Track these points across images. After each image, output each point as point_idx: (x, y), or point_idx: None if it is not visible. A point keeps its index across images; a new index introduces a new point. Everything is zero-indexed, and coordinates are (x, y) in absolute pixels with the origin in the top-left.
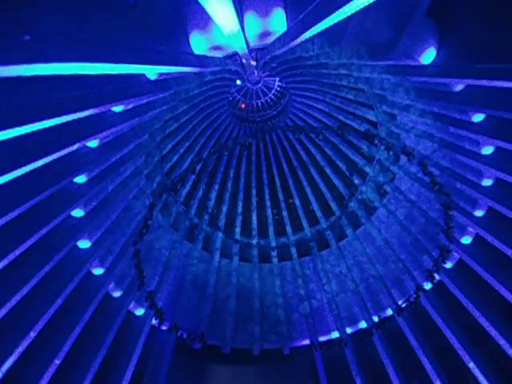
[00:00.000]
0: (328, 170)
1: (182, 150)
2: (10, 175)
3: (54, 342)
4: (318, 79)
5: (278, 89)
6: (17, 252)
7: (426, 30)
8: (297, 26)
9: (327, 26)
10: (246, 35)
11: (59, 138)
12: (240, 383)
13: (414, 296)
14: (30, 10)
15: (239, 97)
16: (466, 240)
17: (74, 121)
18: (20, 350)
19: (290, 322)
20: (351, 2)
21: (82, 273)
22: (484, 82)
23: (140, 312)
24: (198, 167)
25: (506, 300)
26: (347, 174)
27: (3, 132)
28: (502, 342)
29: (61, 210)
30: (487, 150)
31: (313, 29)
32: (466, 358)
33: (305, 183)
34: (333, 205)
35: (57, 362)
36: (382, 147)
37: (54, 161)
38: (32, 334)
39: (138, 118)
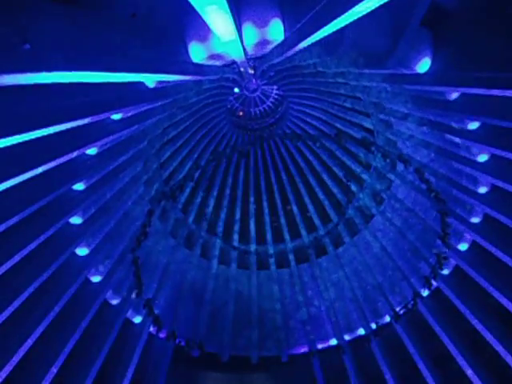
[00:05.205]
0: (325, 177)
1: (180, 157)
2: (9, 182)
3: (51, 350)
4: (315, 87)
5: (276, 97)
6: (15, 259)
7: (422, 39)
8: (294, 35)
9: (324, 35)
10: (244, 44)
11: (58, 145)
12: None
13: (412, 303)
14: (30, 20)
15: (237, 105)
16: (463, 246)
17: (73, 128)
18: (17, 357)
19: (288, 328)
20: (348, 12)
21: (80, 280)
22: (478, 91)
23: (138, 320)
24: (197, 174)
25: (504, 306)
26: (344, 181)
27: (2, 140)
28: (499, 348)
29: (59, 217)
30: (482, 158)
31: (310, 38)
32: (464, 364)
33: (302, 190)
34: (330, 212)
35: (54, 370)
36: (379, 155)
37: (53, 168)
38: (29, 342)
39: (137, 125)
